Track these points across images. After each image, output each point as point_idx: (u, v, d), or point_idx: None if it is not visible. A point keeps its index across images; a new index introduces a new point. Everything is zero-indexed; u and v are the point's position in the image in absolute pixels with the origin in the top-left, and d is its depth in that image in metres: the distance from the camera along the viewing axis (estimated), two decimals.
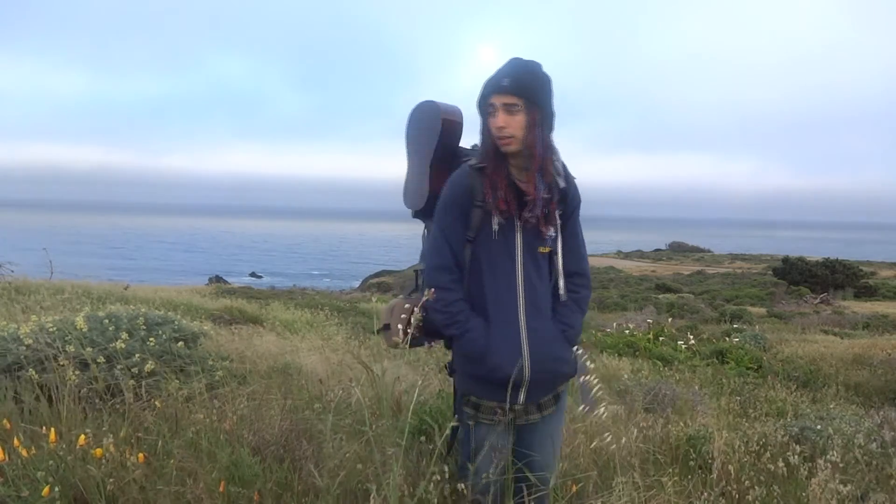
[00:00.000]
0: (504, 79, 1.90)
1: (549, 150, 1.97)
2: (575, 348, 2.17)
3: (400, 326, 2.09)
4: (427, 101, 2.27)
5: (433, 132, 2.20)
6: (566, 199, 2.05)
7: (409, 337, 2.07)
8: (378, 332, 2.17)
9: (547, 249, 2.05)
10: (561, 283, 2.09)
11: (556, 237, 2.06)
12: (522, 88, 1.90)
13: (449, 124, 2.19)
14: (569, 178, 2.06)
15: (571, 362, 2.10)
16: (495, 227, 1.98)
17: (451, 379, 2.21)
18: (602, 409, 2.32)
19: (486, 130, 1.97)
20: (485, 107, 1.95)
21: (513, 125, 1.91)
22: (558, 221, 2.04)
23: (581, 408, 2.24)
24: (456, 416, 2.15)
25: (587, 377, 2.24)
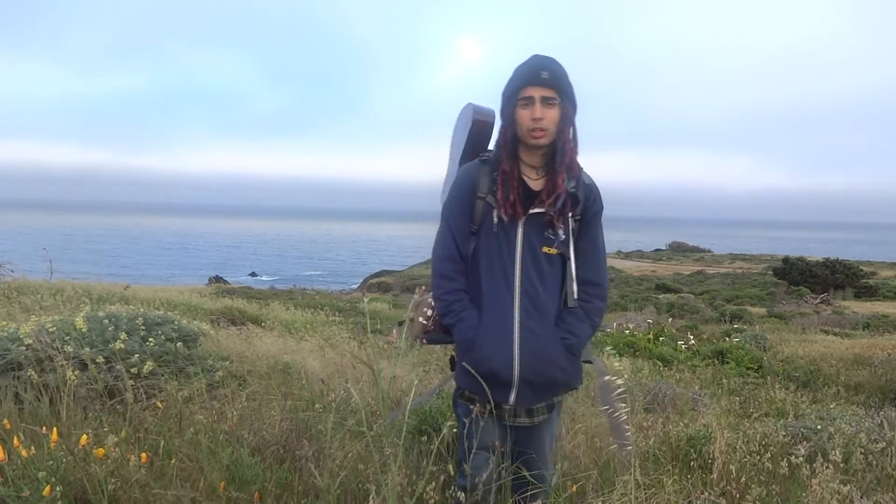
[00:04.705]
0: (542, 71, 1.90)
1: (577, 145, 1.99)
2: (583, 360, 2.11)
3: (421, 320, 2.12)
4: (467, 104, 2.31)
5: (466, 133, 2.25)
6: (587, 201, 2.03)
7: (424, 332, 2.12)
8: (400, 324, 2.15)
9: (553, 251, 2.00)
10: (571, 289, 2.04)
11: (567, 240, 2.01)
12: (560, 82, 1.92)
13: (480, 125, 2.21)
14: (590, 182, 2.05)
15: (569, 371, 2.02)
16: (495, 220, 1.97)
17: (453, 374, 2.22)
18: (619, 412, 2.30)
19: (511, 122, 1.96)
20: (515, 98, 1.94)
21: (548, 118, 1.91)
22: (571, 224, 2.01)
23: (604, 408, 2.18)
24: (454, 411, 2.17)
25: (608, 378, 2.17)
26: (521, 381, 1.97)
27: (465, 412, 2.07)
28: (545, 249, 1.99)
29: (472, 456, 2.02)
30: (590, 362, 2.15)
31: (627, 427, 2.17)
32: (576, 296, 2.05)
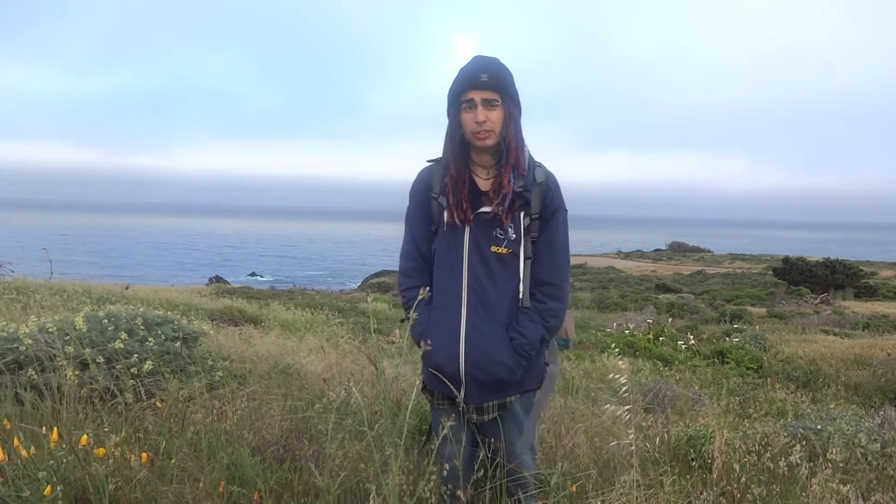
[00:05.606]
0: (482, 74, 1.92)
1: (522, 143, 2.02)
2: (545, 361, 2.12)
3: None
4: None
5: None
6: (545, 199, 2.01)
7: None
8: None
9: (502, 250, 2.00)
10: (521, 288, 2.03)
11: (518, 240, 2.00)
12: (501, 83, 1.94)
13: None
14: (545, 179, 2.01)
15: (514, 370, 2.01)
16: (446, 219, 2.02)
17: None
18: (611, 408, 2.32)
19: (456, 125, 1.99)
20: (458, 102, 1.97)
21: (492, 119, 1.94)
22: (524, 223, 2.00)
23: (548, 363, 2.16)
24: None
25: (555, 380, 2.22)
26: (468, 378, 2.02)
27: (431, 406, 2.20)
28: (493, 249, 2.00)
29: (440, 447, 2.06)
30: (548, 364, 2.15)
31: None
32: (523, 293, 2.04)
